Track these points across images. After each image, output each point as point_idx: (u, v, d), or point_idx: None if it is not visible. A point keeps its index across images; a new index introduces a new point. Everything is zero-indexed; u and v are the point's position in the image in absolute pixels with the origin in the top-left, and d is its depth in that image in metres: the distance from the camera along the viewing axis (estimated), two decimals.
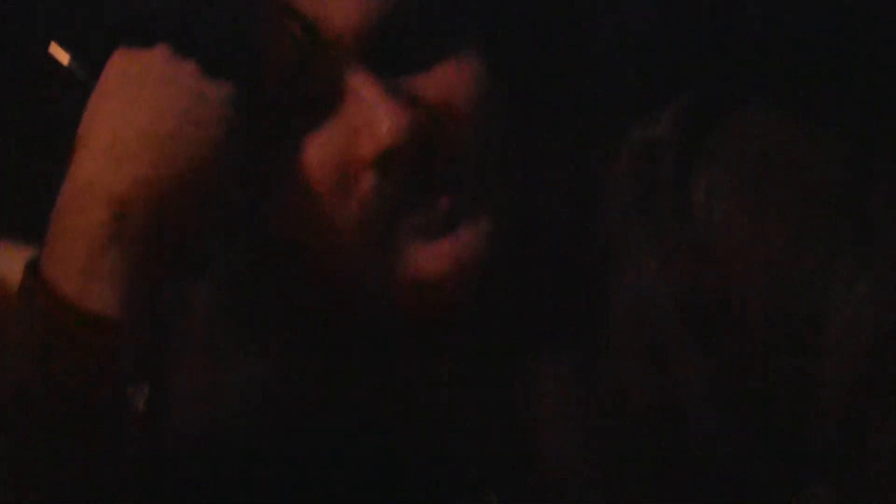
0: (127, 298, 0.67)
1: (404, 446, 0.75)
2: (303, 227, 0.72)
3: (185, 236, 0.70)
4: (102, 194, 0.68)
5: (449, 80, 0.72)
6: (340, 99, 0.71)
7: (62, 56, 0.78)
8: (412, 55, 0.71)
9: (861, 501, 0.69)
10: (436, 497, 0.75)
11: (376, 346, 0.75)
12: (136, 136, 0.68)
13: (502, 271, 0.72)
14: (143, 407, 0.66)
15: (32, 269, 0.69)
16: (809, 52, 0.82)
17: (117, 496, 0.69)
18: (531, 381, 0.74)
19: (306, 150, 0.71)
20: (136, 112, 0.69)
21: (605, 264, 0.75)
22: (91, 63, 0.76)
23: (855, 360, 0.69)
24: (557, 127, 0.77)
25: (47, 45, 0.77)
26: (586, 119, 0.78)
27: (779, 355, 0.71)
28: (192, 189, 0.69)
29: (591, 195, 0.75)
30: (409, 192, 0.71)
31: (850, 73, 0.81)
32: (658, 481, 0.73)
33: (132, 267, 0.68)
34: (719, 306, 0.72)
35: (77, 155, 0.70)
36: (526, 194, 0.74)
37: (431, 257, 0.71)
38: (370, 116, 0.69)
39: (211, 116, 0.69)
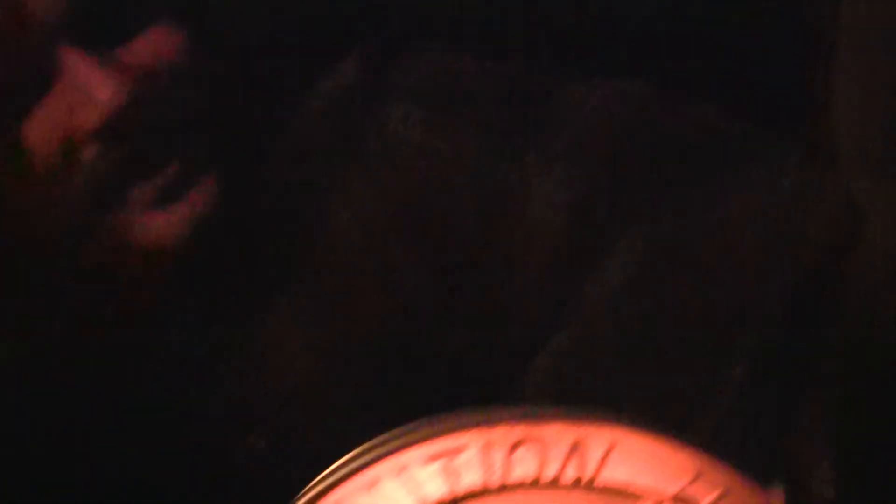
0: None
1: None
2: (28, 204, 0.72)
3: None
4: None
5: (160, 43, 0.73)
6: (54, 77, 0.71)
7: None
8: (119, 23, 0.73)
9: None
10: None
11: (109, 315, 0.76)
12: None
13: (231, 229, 0.76)
14: None
15: None
16: None
17: None
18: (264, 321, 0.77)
19: (24, 132, 0.71)
20: None
21: (314, 209, 0.78)
22: None
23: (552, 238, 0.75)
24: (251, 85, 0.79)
25: None
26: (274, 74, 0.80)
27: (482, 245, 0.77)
28: None
29: (293, 148, 0.79)
30: (134, 162, 0.73)
31: None
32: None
33: None
34: (430, 216, 0.77)
35: None
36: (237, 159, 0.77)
37: (165, 224, 0.73)
38: (87, 89, 0.71)
39: None
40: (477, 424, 0.59)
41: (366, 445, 0.60)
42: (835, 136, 0.76)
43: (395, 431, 0.60)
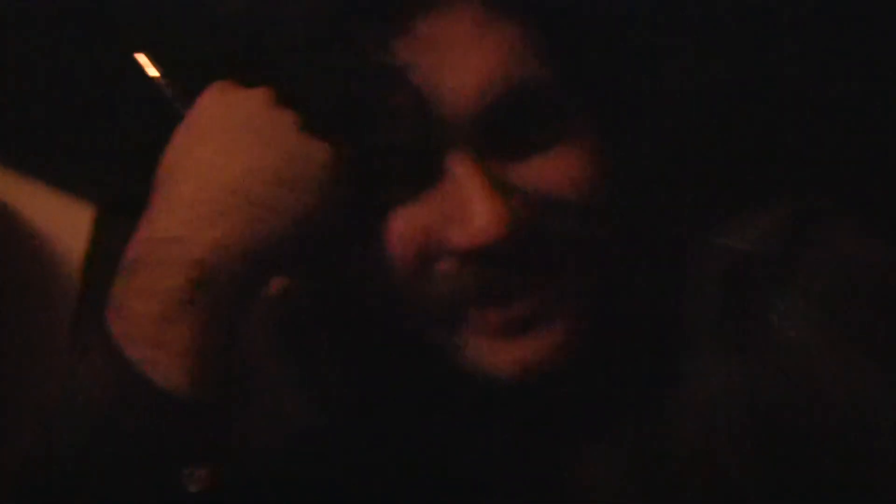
0: (197, 375, 0.61)
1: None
2: (378, 294, 0.68)
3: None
4: (180, 255, 0.62)
5: (556, 172, 0.67)
6: (438, 177, 0.66)
7: (152, 69, 0.73)
8: (521, 142, 0.67)
9: None
10: None
11: (432, 403, 0.72)
12: (224, 194, 0.63)
13: (570, 371, 0.69)
14: (195, 490, 0.61)
15: (99, 318, 0.63)
16: None
17: None
18: (581, 464, 0.71)
19: (393, 222, 0.67)
20: (227, 165, 0.64)
21: (675, 364, 0.71)
22: (184, 86, 0.72)
23: None
24: (648, 222, 0.73)
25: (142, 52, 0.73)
26: (676, 216, 0.75)
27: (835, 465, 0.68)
28: (278, 257, 0.64)
29: (672, 294, 0.72)
30: (490, 286, 0.67)
31: None
32: None
33: (205, 339, 0.62)
34: (783, 426, 0.69)
35: (157, 199, 0.65)
36: (607, 294, 0.70)
37: (499, 357, 0.67)
38: (466, 207, 0.65)
39: (307, 180, 0.64)
40: None
41: None
42: None
43: None
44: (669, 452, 0.70)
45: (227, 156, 0.64)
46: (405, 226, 0.67)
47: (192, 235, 0.62)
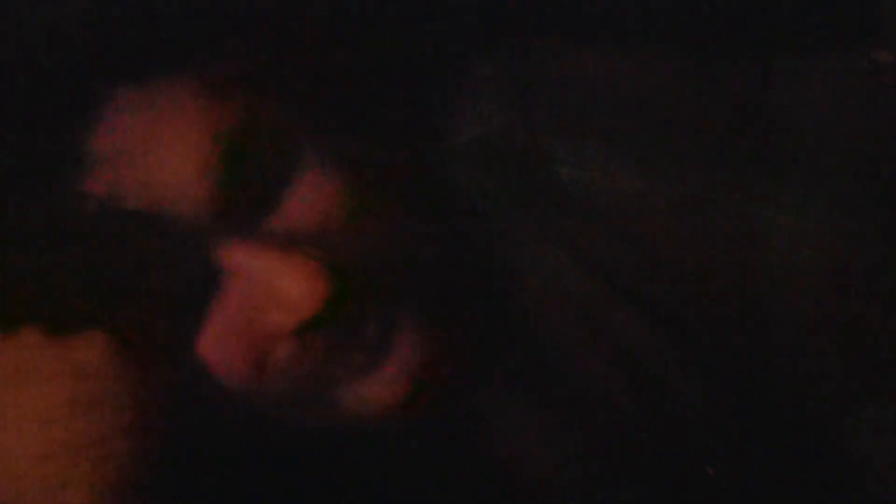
0: None
1: None
2: (231, 418, 0.63)
3: None
4: None
5: (314, 204, 0.63)
6: (218, 285, 0.61)
7: None
8: (265, 195, 0.62)
9: None
10: None
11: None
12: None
13: (445, 359, 0.66)
14: None
15: None
16: None
17: None
18: (492, 418, 0.70)
19: (200, 349, 0.61)
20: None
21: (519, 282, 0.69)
22: None
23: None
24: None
25: None
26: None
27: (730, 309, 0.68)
28: None
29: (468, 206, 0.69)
30: (333, 340, 0.62)
31: None
32: (642, 464, 0.69)
33: None
34: (643, 268, 0.68)
35: None
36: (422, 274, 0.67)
37: (381, 389, 0.64)
38: (270, 289, 0.60)
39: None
40: None
41: None
42: None
43: None
44: (558, 358, 0.69)
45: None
46: (216, 347, 0.61)
47: None
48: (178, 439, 0.60)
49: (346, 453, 0.67)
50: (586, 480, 0.69)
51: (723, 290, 0.68)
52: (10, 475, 0.56)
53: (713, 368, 0.68)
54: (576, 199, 0.69)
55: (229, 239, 0.61)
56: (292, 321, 0.60)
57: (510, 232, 0.69)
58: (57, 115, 0.59)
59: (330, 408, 0.64)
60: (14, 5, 0.60)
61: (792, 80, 0.70)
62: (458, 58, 0.71)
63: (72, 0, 0.60)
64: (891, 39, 0.69)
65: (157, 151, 0.59)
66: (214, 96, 0.60)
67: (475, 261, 0.69)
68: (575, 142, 0.69)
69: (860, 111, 0.69)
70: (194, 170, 0.60)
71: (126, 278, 0.59)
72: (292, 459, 0.66)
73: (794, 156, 0.68)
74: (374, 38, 0.68)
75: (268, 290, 0.60)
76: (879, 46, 0.69)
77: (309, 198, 0.63)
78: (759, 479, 0.68)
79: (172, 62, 0.61)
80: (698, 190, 0.67)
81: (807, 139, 0.68)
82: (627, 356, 0.68)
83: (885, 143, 0.68)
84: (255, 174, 0.61)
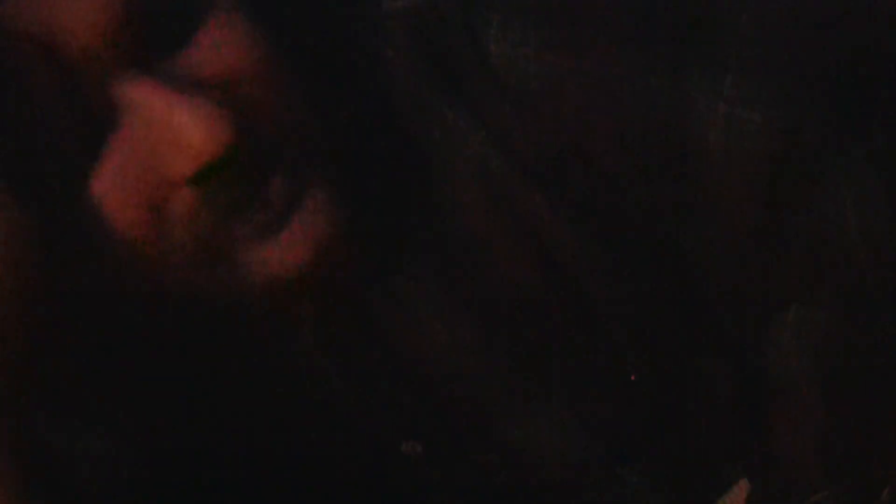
0: None
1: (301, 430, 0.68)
2: (121, 271, 0.60)
3: None
4: None
5: (224, 49, 0.59)
6: (116, 119, 0.58)
7: None
8: (172, 33, 0.59)
9: None
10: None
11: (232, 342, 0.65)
12: None
13: (352, 233, 0.63)
14: None
15: None
16: None
17: None
18: (395, 302, 0.67)
19: (95, 191, 0.58)
20: None
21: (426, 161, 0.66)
22: None
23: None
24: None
25: None
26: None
27: (655, 190, 0.65)
28: None
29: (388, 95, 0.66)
30: (235, 194, 0.59)
31: None
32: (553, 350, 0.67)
33: None
34: (569, 156, 0.65)
35: None
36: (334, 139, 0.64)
37: (282, 252, 0.60)
38: (169, 129, 0.57)
39: None
40: None
41: None
42: None
43: None
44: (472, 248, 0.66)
45: None
46: (111, 186, 0.58)
47: None
48: (64, 292, 0.58)
49: (240, 325, 0.64)
50: (489, 372, 0.67)
51: (652, 180, 0.65)
52: None
53: (632, 262, 0.66)
54: (503, 77, 0.66)
55: (129, 73, 0.58)
56: (192, 165, 0.57)
57: (433, 107, 0.66)
58: None
59: (230, 271, 0.61)
60: None
61: None
62: None
63: None
64: None
65: None
66: None
67: (393, 134, 0.66)
68: (506, 17, 0.66)
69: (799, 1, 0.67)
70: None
71: (13, 109, 0.56)
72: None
73: (734, 45, 0.66)
74: None
75: (168, 130, 0.57)
76: None
77: (220, 41, 0.59)
78: (672, 376, 0.66)
79: None
80: (633, 72, 0.65)
81: (746, 29, 0.66)
82: (539, 243, 0.65)
83: (822, 37, 0.66)
84: (162, 2, 0.58)
